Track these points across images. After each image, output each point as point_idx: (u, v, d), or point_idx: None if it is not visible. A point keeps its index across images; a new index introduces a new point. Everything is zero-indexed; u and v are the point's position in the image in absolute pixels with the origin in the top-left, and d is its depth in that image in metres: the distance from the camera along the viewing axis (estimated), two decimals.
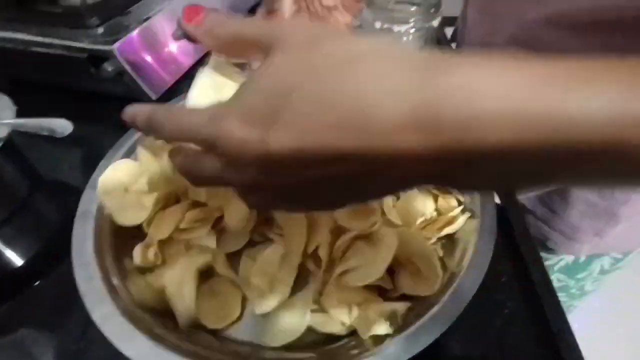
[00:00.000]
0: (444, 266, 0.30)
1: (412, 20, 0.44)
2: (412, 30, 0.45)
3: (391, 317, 0.28)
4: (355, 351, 0.26)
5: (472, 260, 0.29)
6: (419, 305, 0.29)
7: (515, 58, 0.16)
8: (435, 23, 0.46)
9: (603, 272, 0.60)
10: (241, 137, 0.18)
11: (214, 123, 0.19)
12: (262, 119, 0.17)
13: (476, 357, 0.32)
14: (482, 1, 0.50)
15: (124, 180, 0.34)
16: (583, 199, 0.50)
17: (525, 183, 0.20)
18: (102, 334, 0.26)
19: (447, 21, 0.60)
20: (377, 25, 0.46)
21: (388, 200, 0.35)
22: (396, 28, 0.45)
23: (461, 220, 0.33)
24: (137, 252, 0.32)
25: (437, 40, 0.52)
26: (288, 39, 0.19)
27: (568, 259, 0.58)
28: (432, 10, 0.45)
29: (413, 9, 0.44)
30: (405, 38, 0.46)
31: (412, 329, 0.25)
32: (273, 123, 0.17)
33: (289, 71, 0.18)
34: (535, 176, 0.17)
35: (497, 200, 0.37)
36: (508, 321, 0.33)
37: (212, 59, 0.29)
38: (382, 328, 0.26)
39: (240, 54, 0.26)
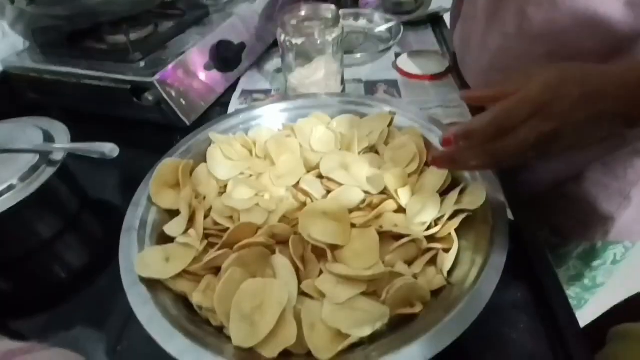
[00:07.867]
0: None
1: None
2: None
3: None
4: (375, 353, 0.28)
5: (483, 276, 0.31)
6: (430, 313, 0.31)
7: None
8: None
9: (615, 262, 0.59)
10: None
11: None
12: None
13: None
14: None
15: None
16: (597, 182, 0.51)
17: None
18: (139, 334, 0.28)
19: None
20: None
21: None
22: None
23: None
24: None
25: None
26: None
27: (585, 245, 0.58)
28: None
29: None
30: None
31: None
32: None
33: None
34: None
35: (510, 216, 0.38)
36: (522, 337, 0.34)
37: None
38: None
39: None
